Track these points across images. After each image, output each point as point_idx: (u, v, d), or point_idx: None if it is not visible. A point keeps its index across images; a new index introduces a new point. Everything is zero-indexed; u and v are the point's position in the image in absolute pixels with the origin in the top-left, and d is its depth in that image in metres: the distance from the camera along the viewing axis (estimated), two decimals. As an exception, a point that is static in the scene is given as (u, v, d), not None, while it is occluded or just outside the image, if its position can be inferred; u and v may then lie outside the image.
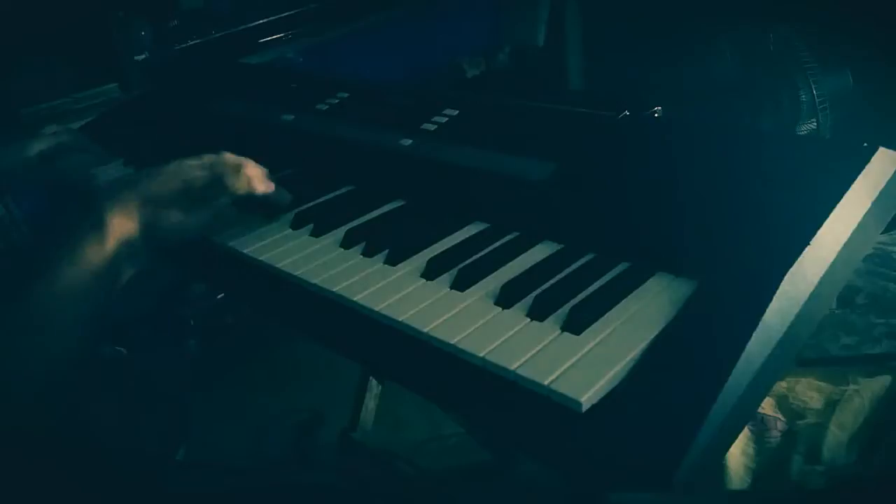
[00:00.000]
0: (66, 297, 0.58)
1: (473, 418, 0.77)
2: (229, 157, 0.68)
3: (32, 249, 0.62)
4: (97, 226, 0.61)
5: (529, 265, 0.59)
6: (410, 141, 0.79)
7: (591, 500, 0.59)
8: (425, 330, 0.53)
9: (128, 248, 0.62)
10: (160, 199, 0.65)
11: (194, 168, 0.67)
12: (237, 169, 0.68)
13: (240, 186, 0.68)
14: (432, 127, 0.79)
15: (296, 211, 0.74)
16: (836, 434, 0.88)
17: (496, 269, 0.59)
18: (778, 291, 0.46)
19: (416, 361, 0.53)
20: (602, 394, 0.45)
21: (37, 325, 0.57)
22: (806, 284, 0.49)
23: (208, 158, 0.68)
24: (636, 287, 0.54)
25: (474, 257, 0.61)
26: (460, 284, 0.58)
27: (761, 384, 0.45)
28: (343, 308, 0.59)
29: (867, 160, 0.53)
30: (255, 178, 0.68)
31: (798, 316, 0.48)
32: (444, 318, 0.54)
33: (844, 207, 0.51)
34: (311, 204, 0.76)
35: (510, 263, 0.60)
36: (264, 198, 0.70)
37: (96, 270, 0.60)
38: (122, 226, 0.62)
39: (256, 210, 0.71)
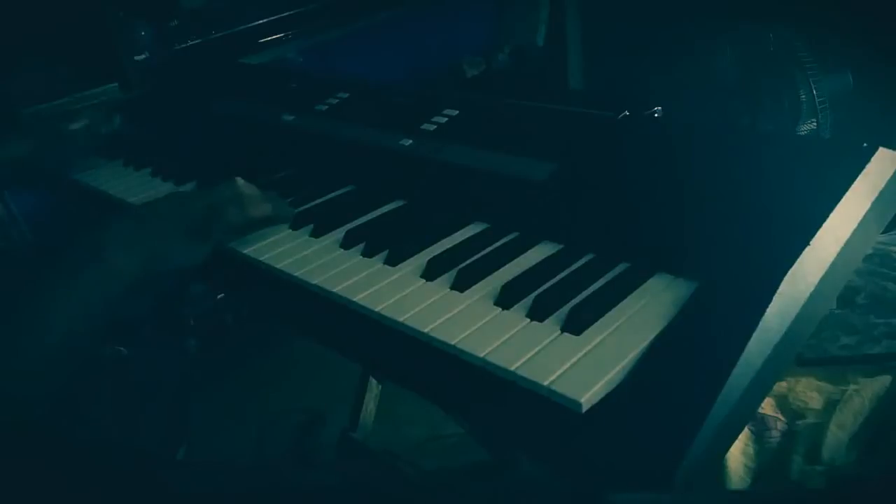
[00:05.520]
0: (60, 328, 0.60)
1: (473, 418, 0.77)
2: (225, 187, 0.69)
3: (30, 277, 0.64)
4: (96, 261, 0.63)
5: (529, 265, 0.59)
6: (410, 141, 0.79)
7: (591, 500, 0.59)
8: (425, 330, 0.53)
9: (127, 284, 0.64)
10: (160, 236, 0.66)
11: (193, 202, 0.68)
12: (234, 200, 0.68)
13: (238, 219, 0.68)
14: (432, 127, 0.79)
15: (296, 211, 0.74)
16: (836, 434, 0.87)
17: (496, 270, 0.59)
18: (778, 291, 0.46)
19: (416, 361, 0.54)
20: (602, 394, 0.45)
21: (29, 347, 0.59)
22: (806, 284, 0.49)
23: (206, 191, 0.69)
24: (636, 287, 0.54)
25: (474, 257, 0.61)
26: (460, 285, 0.58)
27: (761, 384, 0.46)
28: (343, 308, 0.59)
29: (867, 160, 0.53)
30: (252, 205, 0.69)
31: (798, 316, 0.48)
32: (445, 318, 0.54)
33: (844, 207, 0.51)
34: (311, 204, 0.76)
35: (510, 263, 0.60)
36: (263, 220, 0.70)
37: (93, 303, 0.62)
38: (121, 263, 0.63)
39: (256, 230, 0.71)
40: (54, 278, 0.62)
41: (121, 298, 0.64)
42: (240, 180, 0.69)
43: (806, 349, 0.97)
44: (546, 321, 0.52)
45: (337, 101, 0.92)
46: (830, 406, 0.91)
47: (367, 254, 0.65)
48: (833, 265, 0.50)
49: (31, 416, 0.61)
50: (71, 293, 0.62)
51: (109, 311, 0.64)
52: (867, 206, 0.53)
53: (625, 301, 0.53)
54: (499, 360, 0.48)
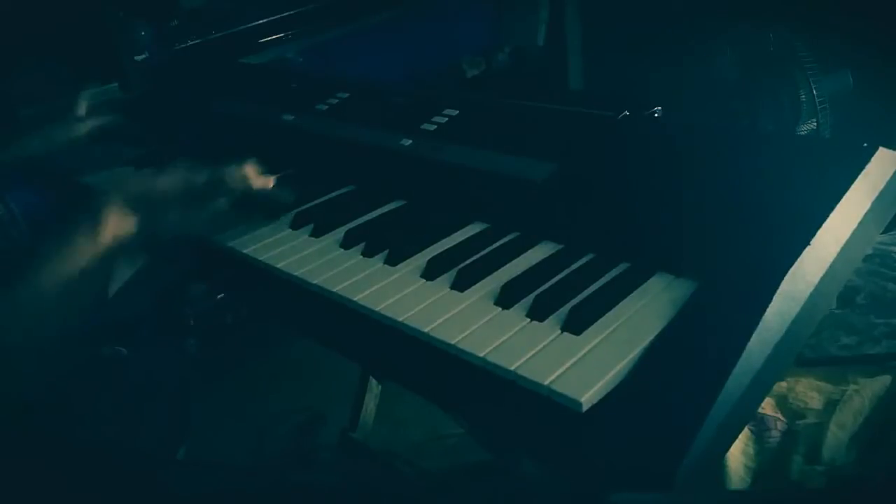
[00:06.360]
0: (58, 290, 0.60)
1: (473, 418, 0.77)
2: (231, 166, 0.69)
3: (31, 241, 0.64)
4: (94, 219, 0.63)
5: (529, 265, 0.59)
6: (410, 141, 0.79)
7: (591, 500, 0.59)
8: (426, 330, 0.53)
9: (123, 243, 0.64)
10: (158, 198, 0.66)
11: (193, 169, 0.68)
12: (237, 170, 0.69)
13: (236, 186, 0.68)
14: (432, 127, 0.79)
15: (296, 211, 0.74)
16: (836, 434, 0.87)
17: (496, 269, 0.59)
18: (778, 291, 0.46)
19: (416, 361, 0.54)
20: (602, 394, 0.45)
21: (29, 316, 0.59)
22: (806, 284, 0.49)
23: (207, 162, 0.69)
24: (636, 287, 0.54)
25: (474, 257, 0.61)
26: (460, 284, 0.58)
27: (761, 384, 0.46)
28: (343, 308, 0.59)
29: (867, 160, 0.53)
30: (254, 178, 0.69)
31: (798, 316, 0.48)
32: (445, 318, 0.54)
33: (844, 207, 0.51)
34: (311, 204, 0.76)
35: (510, 263, 0.60)
36: (263, 196, 0.70)
37: (91, 263, 0.62)
38: (118, 221, 0.63)
39: (256, 211, 0.71)
40: (60, 234, 0.63)
41: (122, 260, 0.65)
42: (246, 161, 0.70)
43: (806, 349, 0.97)
44: (546, 321, 0.52)
45: (337, 101, 0.92)
46: (830, 406, 0.91)
47: (367, 254, 0.65)
48: (833, 265, 0.50)
49: (30, 390, 0.61)
50: (76, 247, 0.62)
51: (107, 282, 0.65)
52: (867, 206, 0.53)
53: (625, 301, 0.53)
54: (499, 359, 0.48)
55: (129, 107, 1.03)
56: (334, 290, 0.60)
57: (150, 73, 1.35)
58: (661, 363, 0.46)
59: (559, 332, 0.51)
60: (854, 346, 0.97)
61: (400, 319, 0.55)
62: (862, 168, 0.53)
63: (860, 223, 0.52)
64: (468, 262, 0.61)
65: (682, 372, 0.45)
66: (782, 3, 1.31)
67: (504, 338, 0.51)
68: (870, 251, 1.04)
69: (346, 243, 0.67)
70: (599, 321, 0.51)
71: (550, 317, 0.52)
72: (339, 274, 0.62)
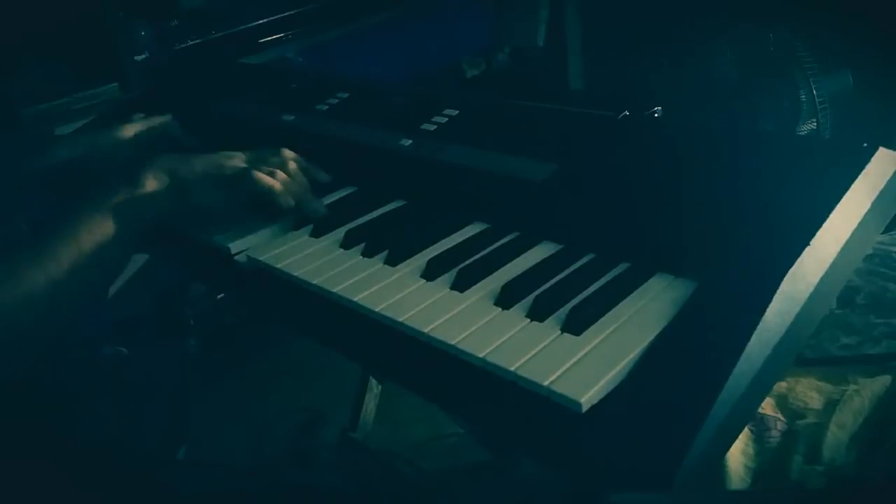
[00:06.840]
0: (91, 242, 0.62)
1: (473, 418, 0.77)
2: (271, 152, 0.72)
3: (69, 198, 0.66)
4: (131, 177, 0.66)
5: (529, 265, 0.59)
6: (410, 141, 0.79)
7: (591, 501, 0.59)
8: (425, 330, 0.53)
9: (154, 202, 0.66)
10: (195, 168, 0.69)
11: (234, 153, 0.71)
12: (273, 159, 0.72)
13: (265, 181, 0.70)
14: (432, 127, 0.79)
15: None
16: (836, 434, 0.87)
17: (496, 270, 0.59)
18: (778, 291, 0.46)
19: (416, 361, 0.54)
20: (602, 394, 0.45)
21: (56, 275, 0.60)
22: (806, 284, 0.49)
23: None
24: (636, 287, 0.54)
25: (474, 257, 0.61)
26: (460, 285, 0.58)
27: (761, 384, 0.45)
28: (343, 308, 0.59)
29: (867, 160, 0.53)
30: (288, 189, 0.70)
31: (798, 316, 0.48)
32: (445, 318, 0.54)
33: (844, 207, 0.51)
34: (311, 204, 0.76)
35: (510, 263, 0.60)
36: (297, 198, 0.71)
37: (123, 217, 0.64)
38: (153, 180, 0.67)
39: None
40: (92, 195, 0.65)
41: (151, 227, 0.67)
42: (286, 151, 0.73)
43: (806, 349, 0.97)
44: (546, 321, 0.52)
45: (337, 101, 0.92)
46: (830, 406, 0.91)
47: (367, 254, 0.65)
48: (833, 265, 0.50)
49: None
50: (107, 209, 0.64)
51: (140, 238, 0.66)
52: (867, 206, 0.53)
53: (625, 301, 0.53)
54: (498, 360, 0.48)
55: (128, 107, 1.02)
56: (334, 290, 0.60)
57: (150, 73, 1.36)
58: (662, 363, 0.46)
59: (559, 332, 0.51)
60: (854, 346, 0.98)
61: (400, 320, 0.55)
62: (862, 168, 0.53)
63: (860, 223, 0.52)
64: (468, 262, 0.60)
65: (682, 372, 0.45)
66: (782, 3, 1.31)
67: (504, 338, 0.50)
68: (870, 251, 1.04)
69: (346, 243, 0.67)
70: (599, 321, 0.51)
71: (550, 317, 0.52)
72: (339, 274, 0.62)
